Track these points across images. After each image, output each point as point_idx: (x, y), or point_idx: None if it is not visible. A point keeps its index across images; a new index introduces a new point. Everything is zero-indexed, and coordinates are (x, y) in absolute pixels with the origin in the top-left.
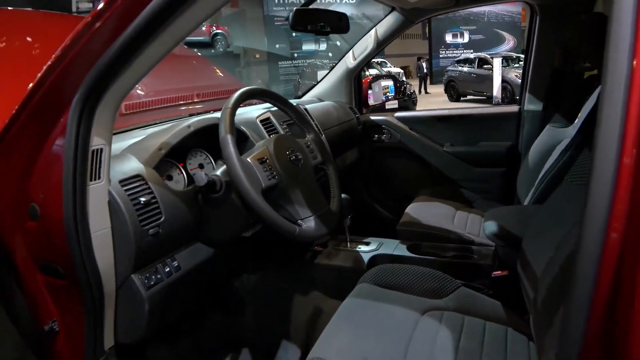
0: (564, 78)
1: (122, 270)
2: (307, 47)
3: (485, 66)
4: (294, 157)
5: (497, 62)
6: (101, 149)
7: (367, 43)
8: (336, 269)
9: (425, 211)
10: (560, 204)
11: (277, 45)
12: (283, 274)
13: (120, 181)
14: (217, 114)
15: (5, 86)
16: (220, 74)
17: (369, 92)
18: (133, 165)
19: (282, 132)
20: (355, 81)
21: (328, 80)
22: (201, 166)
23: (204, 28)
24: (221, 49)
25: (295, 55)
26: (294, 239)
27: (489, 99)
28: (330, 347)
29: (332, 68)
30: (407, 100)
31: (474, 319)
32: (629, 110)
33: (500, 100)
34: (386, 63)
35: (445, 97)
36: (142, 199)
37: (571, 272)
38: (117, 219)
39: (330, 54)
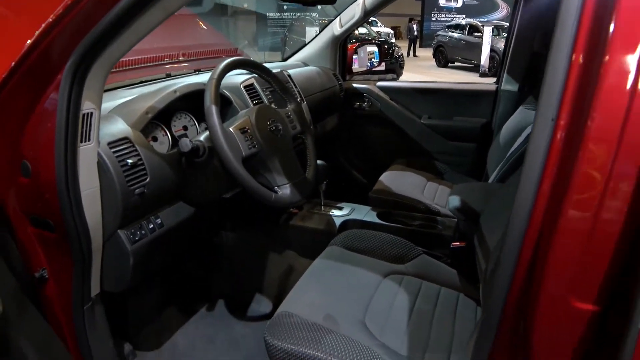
0: (542, 62)
1: (109, 226)
2: None
3: (475, 34)
4: (274, 127)
5: (487, 31)
6: (91, 113)
7: (354, 12)
8: (309, 231)
9: (397, 180)
10: (517, 184)
11: None
12: (259, 233)
13: (109, 143)
14: (203, 77)
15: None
16: (206, 31)
17: (354, 57)
18: (121, 128)
19: (265, 99)
20: (341, 48)
21: (314, 45)
22: (185, 128)
23: None
24: None
25: (285, 7)
26: (270, 204)
27: (476, 67)
28: (298, 303)
29: (322, 27)
30: (394, 63)
31: (431, 284)
32: (563, 102)
33: (487, 70)
34: (377, 22)
35: (433, 62)
36: (129, 161)
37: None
38: (106, 179)
39: (319, 7)
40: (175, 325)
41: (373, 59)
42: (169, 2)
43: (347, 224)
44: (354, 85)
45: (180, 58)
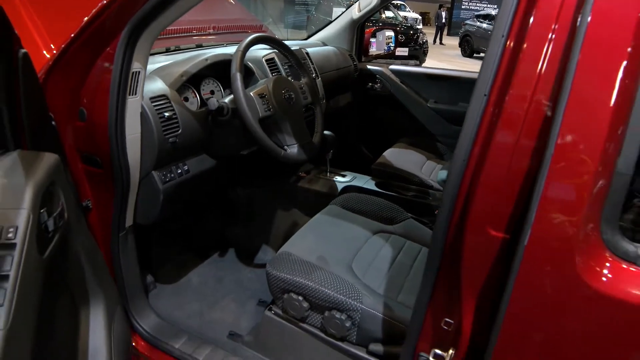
0: None
1: (146, 166)
2: None
3: (490, 22)
4: (287, 95)
5: None
6: (139, 72)
7: None
8: (314, 192)
9: (399, 156)
10: None
11: None
12: (270, 191)
13: (150, 98)
14: (230, 49)
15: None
16: (234, 7)
17: (372, 40)
18: (160, 87)
19: (283, 72)
20: (358, 31)
21: (333, 27)
22: (212, 92)
23: None
24: None
25: None
26: (279, 159)
27: None
28: (297, 245)
29: (347, 6)
30: (417, 50)
31: (413, 244)
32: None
33: None
34: (405, 7)
35: (458, 51)
36: (166, 114)
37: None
38: (146, 127)
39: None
40: (191, 265)
41: (390, 44)
42: None
43: (347, 189)
44: (368, 67)
45: (210, 31)
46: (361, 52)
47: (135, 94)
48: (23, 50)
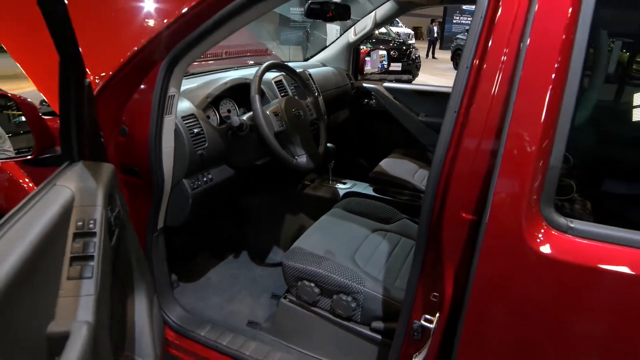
0: None
1: (177, 175)
2: None
3: None
4: (297, 113)
5: None
6: (174, 95)
7: (366, 23)
8: (318, 198)
9: (394, 165)
10: None
11: None
12: (278, 197)
13: (182, 117)
14: (242, 72)
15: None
16: (242, 33)
17: (367, 59)
18: (189, 107)
19: (289, 92)
20: (354, 52)
21: (331, 49)
22: (229, 110)
23: None
24: None
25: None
26: (290, 167)
27: None
28: (307, 241)
29: (342, 26)
30: (410, 64)
31: (407, 240)
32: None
33: None
34: (397, 22)
35: (450, 65)
36: (195, 130)
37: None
38: (179, 142)
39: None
40: (208, 265)
41: (383, 62)
42: (241, 20)
43: (348, 194)
44: (364, 84)
45: (223, 55)
46: (357, 71)
47: (171, 114)
48: (87, 80)
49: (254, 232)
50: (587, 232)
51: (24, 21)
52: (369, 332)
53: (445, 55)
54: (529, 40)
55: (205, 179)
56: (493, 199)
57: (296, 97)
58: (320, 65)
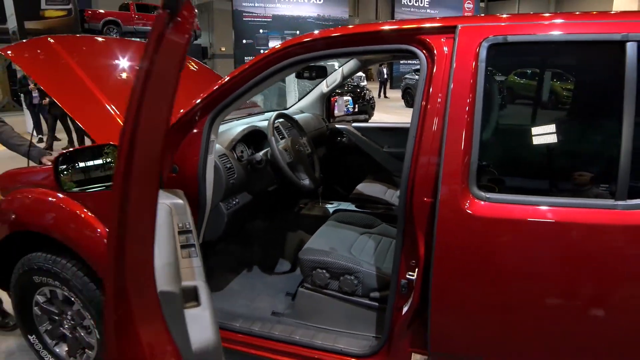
0: None
1: (215, 200)
2: (274, 44)
3: None
4: (299, 148)
5: None
6: (213, 140)
7: (336, 77)
8: (313, 216)
9: (369, 188)
10: None
11: (244, 41)
12: (280, 219)
13: (218, 156)
14: (247, 120)
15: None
16: None
17: (335, 105)
18: (221, 148)
19: (285, 134)
20: (326, 101)
21: (308, 99)
22: (241, 151)
23: None
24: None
25: (262, 51)
26: (298, 187)
27: None
28: (314, 244)
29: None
30: (366, 105)
31: (387, 238)
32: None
33: None
34: None
35: (402, 102)
36: (227, 165)
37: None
38: (217, 175)
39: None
40: (228, 278)
41: (348, 106)
42: (260, 88)
43: (337, 211)
44: (336, 125)
45: None
46: (329, 115)
47: (211, 154)
48: None
49: (263, 248)
50: (494, 199)
51: (76, 88)
52: (369, 301)
53: (395, 94)
54: (452, 85)
55: (234, 202)
56: (441, 187)
57: (297, 137)
58: (299, 112)
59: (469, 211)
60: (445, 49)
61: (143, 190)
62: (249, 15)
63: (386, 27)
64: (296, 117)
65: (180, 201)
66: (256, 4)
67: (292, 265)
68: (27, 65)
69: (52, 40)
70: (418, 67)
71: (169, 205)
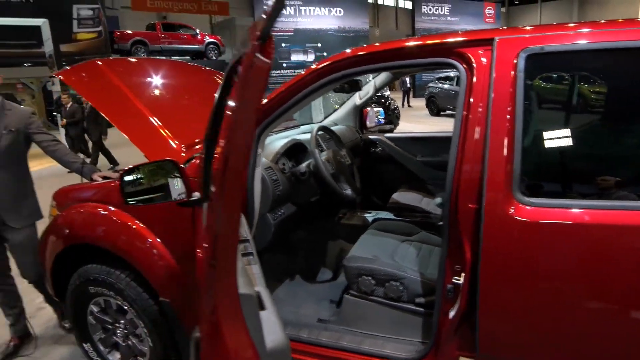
0: None
1: (262, 211)
2: (296, 57)
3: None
4: (341, 159)
5: None
6: (260, 153)
7: (368, 89)
8: (352, 226)
9: (404, 197)
10: None
11: None
12: (321, 229)
13: (264, 168)
14: (287, 133)
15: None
16: None
17: (367, 116)
18: (266, 161)
19: (324, 146)
20: (359, 112)
21: (341, 111)
22: (283, 163)
23: (198, 36)
24: (214, 57)
25: (284, 65)
26: (341, 197)
27: None
28: (358, 251)
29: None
30: (391, 115)
31: (428, 246)
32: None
33: None
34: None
35: (426, 111)
36: (273, 178)
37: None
38: (264, 186)
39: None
40: (274, 287)
41: (379, 117)
42: (304, 104)
43: (376, 220)
44: (370, 137)
45: None
46: (362, 126)
47: (259, 167)
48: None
49: (305, 257)
50: (539, 203)
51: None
52: (414, 307)
53: (418, 103)
54: (492, 95)
55: (280, 213)
56: (485, 194)
57: (337, 148)
58: (333, 124)
59: (514, 216)
60: (484, 60)
61: (233, 202)
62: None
63: (426, 42)
64: (334, 129)
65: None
66: (277, 19)
67: (334, 274)
68: (81, 88)
69: (100, 63)
70: (441, 75)
71: None
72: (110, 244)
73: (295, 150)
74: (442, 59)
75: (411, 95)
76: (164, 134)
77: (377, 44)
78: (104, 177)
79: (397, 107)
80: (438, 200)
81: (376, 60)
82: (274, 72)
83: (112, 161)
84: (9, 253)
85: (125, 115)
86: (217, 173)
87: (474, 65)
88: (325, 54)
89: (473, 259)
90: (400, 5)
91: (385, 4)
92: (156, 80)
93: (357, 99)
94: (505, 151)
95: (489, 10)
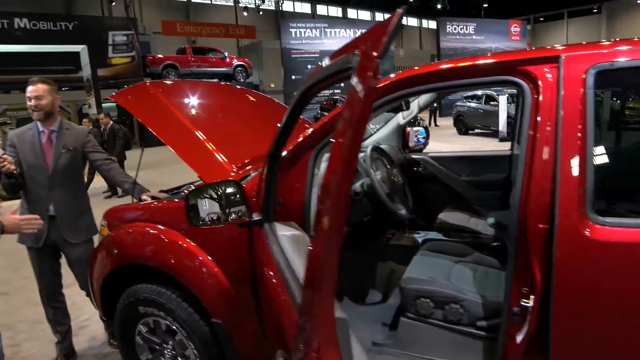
0: None
1: None
2: None
3: (491, 102)
4: (394, 179)
5: (502, 99)
6: (317, 174)
7: (413, 108)
8: (402, 246)
9: (452, 217)
10: None
11: (293, 77)
12: (369, 249)
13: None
14: None
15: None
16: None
17: (409, 135)
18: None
19: (372, 167)
20: (402, 132)
21: (384, 130)
22: None
23: (227, 59)
24: (241, 80)
25: None
26: (396, 218)
27: (495, 133)
28: (413, 273)
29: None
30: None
31: (483, 267)
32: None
33: (506, 135)
34: None
35: (454, 130)
36: None
37: None
38: None
39: (342, 84)
40: None
41: (419, 136)
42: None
43: (426, 241)
44: (413, 156)
45: None
46: (405, 146)
47: (315, 187)
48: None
49: (354, 279)
50: (614, 223)
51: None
52: (475, 330)
53: (445, 122)
54: (561, 113)
55: None
56: (558, 214)
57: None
58: (376, 144)
59: (589, 236)
60: (550, 77)
61: (341, 228)
62: (297, 52)
63: (487, 60)
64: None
65: (299, 232)
66: (303, 41)
67: (384, 295)
68: (135, 109)
69: (149, 85)
70: (468, 94)
71: (289, 237)
72: (162, 264)
73: None
74: (504, 77)
75: (437, 114)
76: (217, 155)
77: (432, 63)
78: (153, 197)
79: (427, 126)
80: (490, 220)
81: (437, 79)
82: None
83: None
84: (69, 267)
85: (177, 135)
86: (332, 200)
87: (540, 83)
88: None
89: (544, 281)
90: (424, 25)
91: (409, 24)
92: (200, 100)
93: (400, 118)
94: (577, 170)
95: (515, 28)
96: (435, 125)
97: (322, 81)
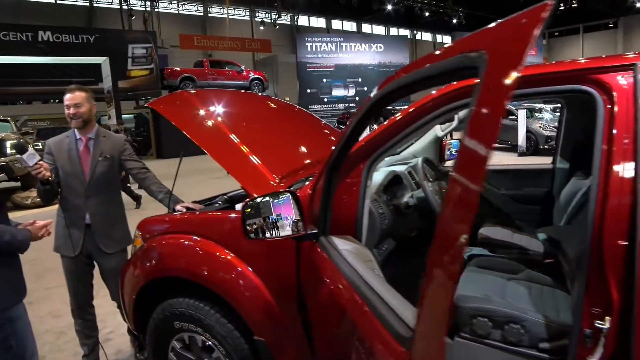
0: (584, 148)
1: (370, 246)
2: (337, 92)
3: (510, 117)
4: (444, 191)
5: (521, 114)
6: (369, 186)
7: (452, 121)
8: None
9: (494, 232)
10: (580, 225)
11: (309, 90)
12: (413, 265)
13: (371, 201)
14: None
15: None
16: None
17: (445, 148)
18: (372, 193)
19: (425, 179)
20: (440, 144)
21: (421, 142)
22: (379, 195)
23: (243, 72)
24: (258, 93)
25: (325, 99)
26: None
27: (513, 148)
28: (465, 290)
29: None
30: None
31: (534, 284)
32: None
33: (525, 149)
34: None
35: None
36: (380, 211)
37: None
38: (371, 220)
39: (357, 98)
40: None
41: (451, 149)
42: (416, 134)
43: (471, 257)
44: (449, 170)
45: None
46: (442, 158)
47: (367, 199)
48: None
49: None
50: None
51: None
52: (537, 352)
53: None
54: None
55: (384, 249)
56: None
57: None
58: (412, 156)
59: None
60: (625, 86)
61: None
62: (312, 66)
63: (556, 68)
64: (413, 161)
65: (360, 246)
66: (319, 55)
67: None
68: (174, 117)
69: (186, 94)
70: None
71: (349, 249)
72: (202, 278)
73: (391, 182)
74: (573, 86)
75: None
76: (259, 165)
77: None
78: (187, 208)
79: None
80: (542, 236)
81: None
82: (316, 107)
83: (135, 198)
84: (101, 278)
85: (219, 145)
86: (465, 213)
87: (614, 92)
88: (365, 88)
89: (623, 301)
90: (439, 40)
91: (423, 39)
92: (237, 110)
93: (438, 130)
94: None
95: None
96: (452, 138)
97: (412, 85)
